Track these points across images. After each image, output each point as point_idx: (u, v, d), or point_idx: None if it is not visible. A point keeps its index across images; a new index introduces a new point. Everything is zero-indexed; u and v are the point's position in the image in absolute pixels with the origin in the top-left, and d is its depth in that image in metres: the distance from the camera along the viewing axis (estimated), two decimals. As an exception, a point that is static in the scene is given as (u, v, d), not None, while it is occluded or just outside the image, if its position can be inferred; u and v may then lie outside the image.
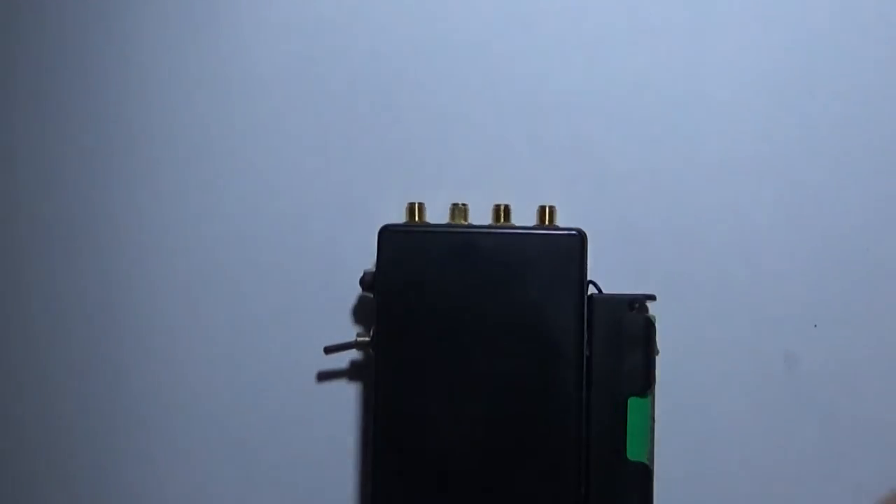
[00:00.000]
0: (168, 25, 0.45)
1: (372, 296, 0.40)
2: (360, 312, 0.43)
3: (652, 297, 0.40)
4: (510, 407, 0.39)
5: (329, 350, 0.41)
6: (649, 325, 0.39)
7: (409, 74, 0.45)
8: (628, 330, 0.39)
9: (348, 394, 0.43)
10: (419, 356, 0.39)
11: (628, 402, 0.39)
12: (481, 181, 0.41)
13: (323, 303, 0.43)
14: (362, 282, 0.40)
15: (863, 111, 0.44)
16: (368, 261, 0.41)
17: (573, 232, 0.40)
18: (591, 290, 0.40)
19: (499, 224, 0.41)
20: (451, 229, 0.41)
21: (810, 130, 0.44)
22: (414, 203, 0.42)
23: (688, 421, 0.43)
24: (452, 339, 0.39)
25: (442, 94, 0.40)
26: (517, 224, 0.42)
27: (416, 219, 0.42)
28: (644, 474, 0.39)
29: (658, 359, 0.40)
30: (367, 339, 0.41)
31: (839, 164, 0.44)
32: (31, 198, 0.45)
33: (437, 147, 0.41)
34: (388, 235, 0.40)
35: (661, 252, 0.41)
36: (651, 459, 0.39)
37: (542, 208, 0.41)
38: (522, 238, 0.40)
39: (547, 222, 0.41)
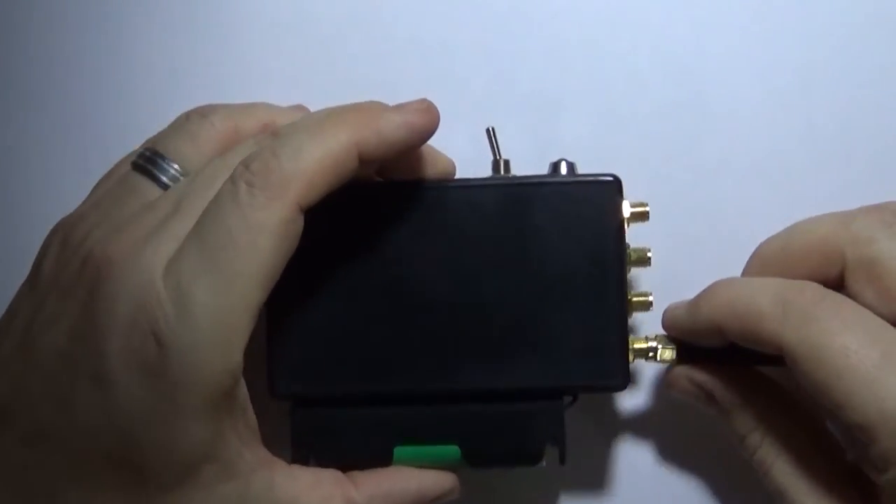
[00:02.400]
0: (167, 25, 0.45)
1: None
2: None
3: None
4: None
5: None
6: None
7: (410, 75, 0.45)
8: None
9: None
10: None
11: None
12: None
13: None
14: None
15: (864, 112, 0.44)
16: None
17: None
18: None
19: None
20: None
21: (811, 132, 0.44)
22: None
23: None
24: None
25: (443, 94, 0.39)
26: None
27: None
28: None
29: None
30: None
31: (841, 164, 0.44)
32: (29, 197, 0.45)
33: (437, 148, 0.41)
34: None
35: (661, 253, 0.40)
36: None
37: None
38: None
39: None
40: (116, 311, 0.34)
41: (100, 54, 0.46)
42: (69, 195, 0.41)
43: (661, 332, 0.41)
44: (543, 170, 0.41)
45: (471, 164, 0.41)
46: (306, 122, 0.36)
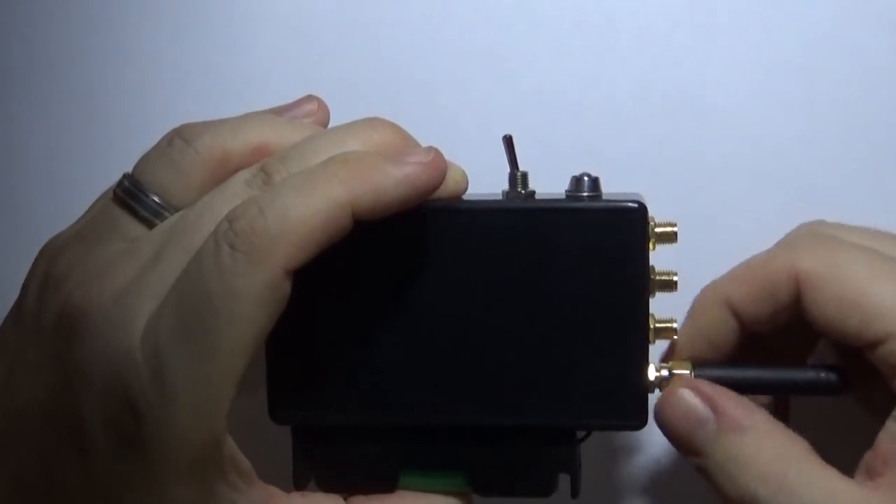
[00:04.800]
0: (170, 25, 0.44)
1: None
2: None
3: None
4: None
5: None
6: None
7: (411, 75, 0.44)
8: None
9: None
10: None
11: None
12: (483, 183, 0.38)
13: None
14: None
15: (866, 114, 0.43)
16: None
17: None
18: None
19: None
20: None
21: (813, 133, 0.43)
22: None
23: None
24: None
25: (445, 97, 0.39)
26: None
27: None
28: None
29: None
30: None
31: (843, 166, 0.43)
32: (27, 196, 0.45)
33: (438, 147, 0.37)
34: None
35: (660, 254, 0.38)
36: None
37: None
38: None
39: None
40: (93, 376, 0.32)
41: (101, 54, 0.45)
42: (71, 195, 0.41)
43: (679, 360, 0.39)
44: (544, 173, 0.38)
45: (471, 164, 0.38)
46: (297, 176, 0.33)
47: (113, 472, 0.32)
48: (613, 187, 0.38)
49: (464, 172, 0.37)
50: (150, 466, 0.32)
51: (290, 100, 0.38)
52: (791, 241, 0.39)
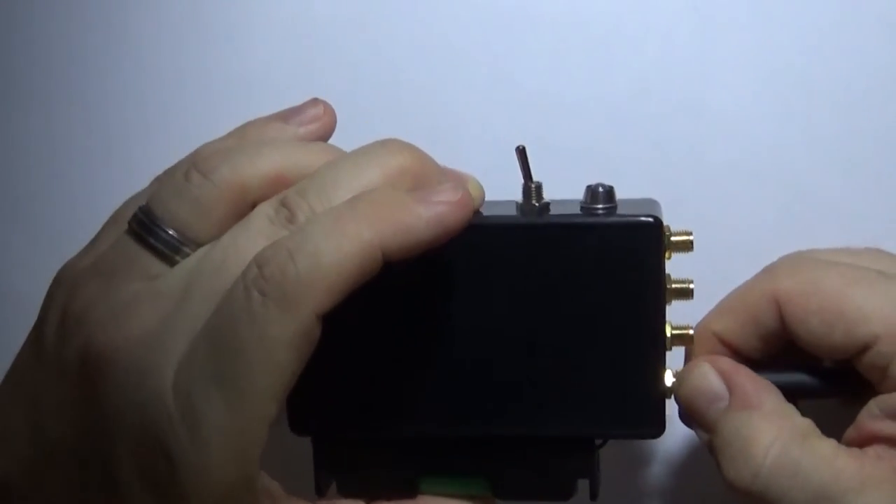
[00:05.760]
0: (172, 25, 0.44)
1: None
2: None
3: None
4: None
5: None
6: None
7: (412, 76, 0.44)
8: None
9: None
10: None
11: None
12: (484, 184, 0.38)
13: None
14: None
15: (867, 116, 0.43)
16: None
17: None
18: None
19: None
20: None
21: (814, 134, 0.43)
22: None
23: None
24: None
25: (446, 97, 0.39)
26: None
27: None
28: None
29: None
30: None
31: (843, 168, 0.43)
32: (27, 196, 0.44)
33: (439, 149, 0.38)
34: None
35: None
36: None
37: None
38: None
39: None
40: (124, 423, 0.32)
41: (102, 54, 0.45)
42: (73, 196, 0.43)
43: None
44: (544, 173, 0.37)
45: (472, 164, 0.38)
46: (326, 217, 0.32)
47: None
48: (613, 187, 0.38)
49: (480, 186, 0.37)
50: None
51: (289, 101, 0.38)
52: (769, 268, 0.39)
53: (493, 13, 0.44)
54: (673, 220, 0.40)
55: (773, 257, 0.41)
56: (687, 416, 0.38)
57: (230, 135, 0.38)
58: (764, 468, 0.35)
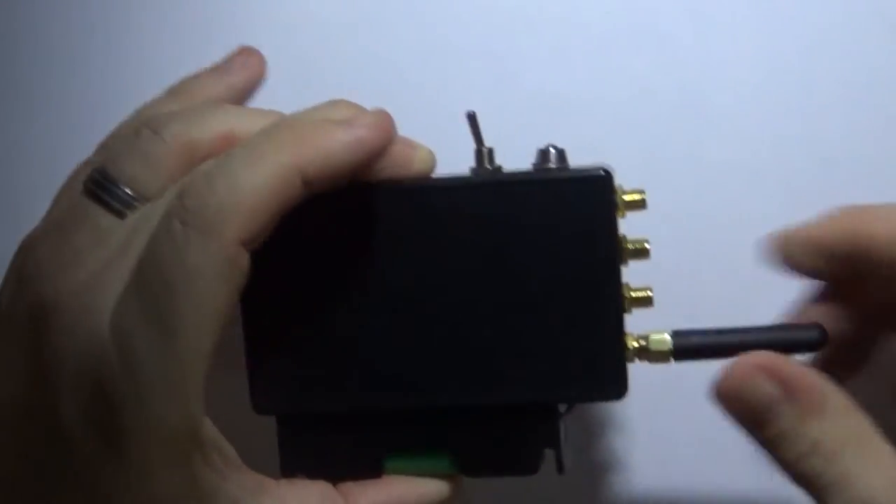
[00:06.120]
0: (166, 24, 0.45)
1: None
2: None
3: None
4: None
5: None
6: None
7: (412, 76, 0.44)
8: None
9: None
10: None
11: None
12: None
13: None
14: None
15: (866, 116, 0.43)
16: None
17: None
18: None
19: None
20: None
21: (814, 134, 0.43)
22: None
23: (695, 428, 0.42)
24: None
25: (445, 97, 0.40)
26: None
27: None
28: None
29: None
30: None
31: (843, 168, 0.43)
32: (26, 197, 0.43)
33: (440, 149, 0.38)
34: None
35: (661, 256, 0.38)
36: None
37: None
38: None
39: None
40: (65, 367, 0.32)
41: (102, 54, 0.45)
42: None
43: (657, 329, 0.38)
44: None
45: (471, 164, 0.38)
46: (243, 145, 0.33)
47: (94, 466, 0.32)
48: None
49: (431, 153, 0.37)
50: (130, 456, 0.32)
51: (289, 101, 0.38)
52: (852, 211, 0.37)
53: (494, 14, 0.44)
54: (673, 220, 0.42)
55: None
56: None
57: (169, 92, 0.39)
58: (828, 474, 0.33)
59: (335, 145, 0.33)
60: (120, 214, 0.34)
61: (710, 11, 0.43)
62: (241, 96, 0.41)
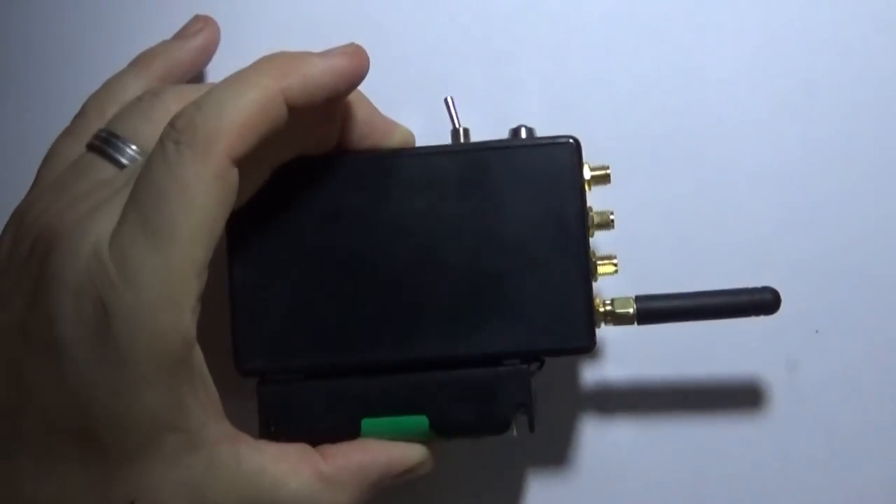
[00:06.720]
0: (166, 24, 0.45)
1: None
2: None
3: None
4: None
5: None
6: None
7: (412, 76, 0.45)
8: None
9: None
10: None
11: None
12: None
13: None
14: None
15: (866, 117, 0.43)
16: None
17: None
18: None
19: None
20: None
21: (814, 135, 0.43)
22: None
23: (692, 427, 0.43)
24: None
25: (444, 95, 0.40)
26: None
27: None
28: None
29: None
30: None
31: (843, 170, 0.43)
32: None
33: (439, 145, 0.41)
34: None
35: (661, 256, 0.41)
36: None
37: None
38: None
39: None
40: (65, 280, 0.34)
41: (101, 54, 0.46)
42: None
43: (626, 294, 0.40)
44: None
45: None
46: (229, 77, 0.36)
47: (85, 378, 0.33)
48: (615, 190, 0.40)
49: (411, 133, 0.41)
50: (121, 366, 0.33)
51: None
52: None
53: (494, 14, 0.45)
54: (673, 219, 0.43)
55: (773, 257, 0.43)
56: None
57: (133, 63, 0.42)
58: None
59: (314, 70, 0.36)
60: (121, 165, 0.37)
61: (711, 13, 0.44)
62: (201, 59, 0.44)
